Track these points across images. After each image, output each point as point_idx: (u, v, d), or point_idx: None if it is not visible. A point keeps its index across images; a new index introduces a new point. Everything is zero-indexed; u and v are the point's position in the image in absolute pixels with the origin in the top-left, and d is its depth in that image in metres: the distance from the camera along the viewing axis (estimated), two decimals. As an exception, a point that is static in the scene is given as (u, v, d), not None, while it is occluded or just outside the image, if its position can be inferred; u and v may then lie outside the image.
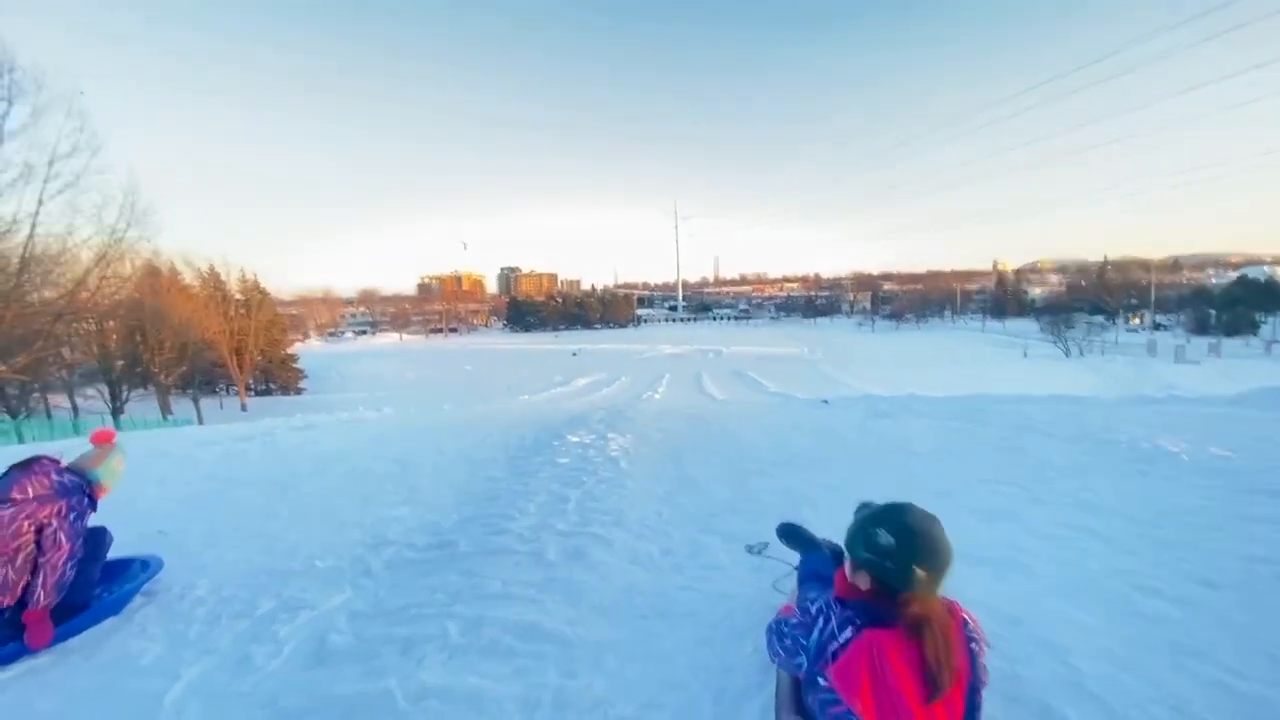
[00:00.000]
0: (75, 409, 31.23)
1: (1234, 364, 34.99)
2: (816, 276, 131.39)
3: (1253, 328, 51.40)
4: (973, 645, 1.31)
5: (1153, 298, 67.26)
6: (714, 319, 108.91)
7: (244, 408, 37.00)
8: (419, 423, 7.43)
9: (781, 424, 6.30)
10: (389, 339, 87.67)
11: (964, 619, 1.33)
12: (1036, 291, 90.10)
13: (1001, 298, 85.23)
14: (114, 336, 32.83)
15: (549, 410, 8.53)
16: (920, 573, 1.26)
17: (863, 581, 1.34)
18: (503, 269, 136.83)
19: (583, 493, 3.32)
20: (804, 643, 1.35)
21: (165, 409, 35.23)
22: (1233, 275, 71.99)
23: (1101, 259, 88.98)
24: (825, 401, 11.13)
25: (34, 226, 15.56)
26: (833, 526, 2.21)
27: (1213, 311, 56.56)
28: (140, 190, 18.88)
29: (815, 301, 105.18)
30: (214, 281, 42.34)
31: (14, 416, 21.57)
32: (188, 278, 40.64)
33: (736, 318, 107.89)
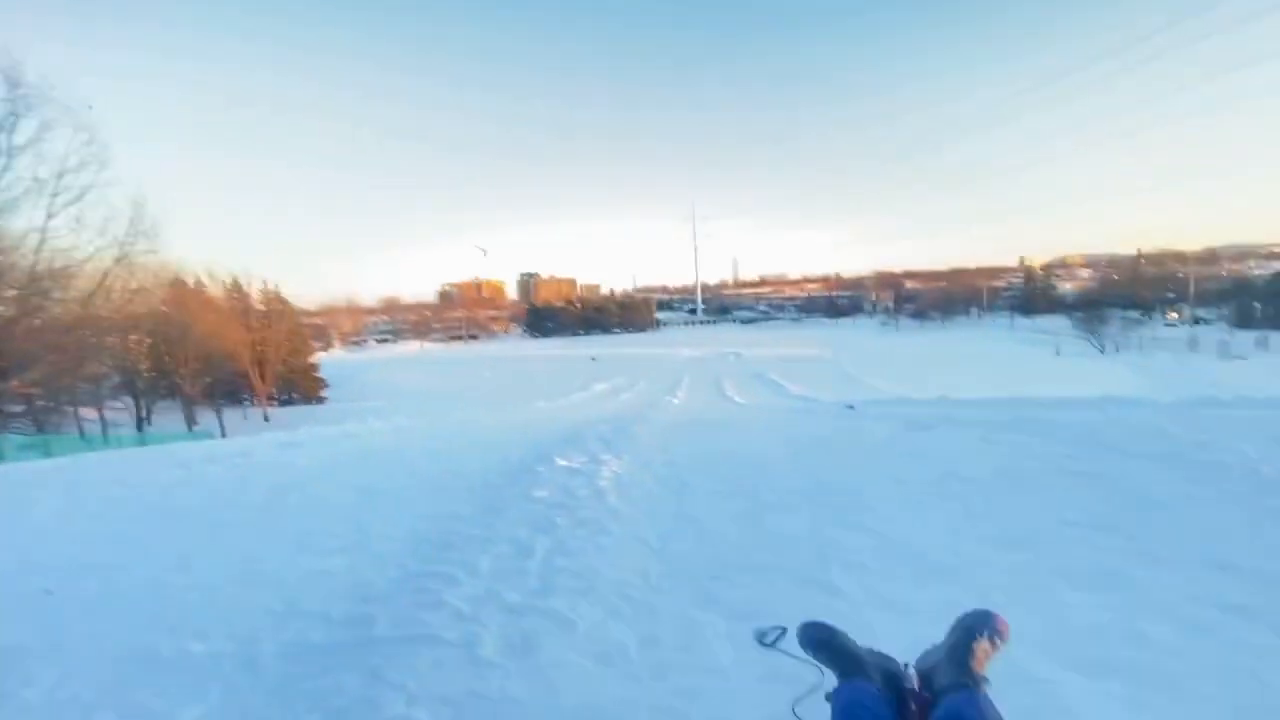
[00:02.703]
0: (104, 422, 31.68)
1: None
2: (837, 276, 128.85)
3: (1302, 319, 48.77)
4: None
5: (1191, 290, 64.53)
6: (734, 321, 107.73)
7: (266, 418, 37.25)
8: (409, 438, 6.85)
9: (805, 436, 5.57)
10: (410, 347, 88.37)
11: None
12: (1067, 287, 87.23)
13: (1030, 294, 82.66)
14: (139, 349, 33.32)
15: (546, 423, 7.87)
16: None
17: None
18: (522, 275, 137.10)
19: (553, 542, 2.65)
20: None
21: (190, 420, 35.56)
22: (1275, 266, 68.62)
23: (1134, 252, 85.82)
24: (850, 407, 10.31)
25: (42, 241, 15.48)
26: (875, 602, 1.51)
27: (1257, 304, 53.85)
28: (148, 203, 18.86)
29: (837, 302, 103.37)
30: (237, 293, 42.86)
31: (41, 431, 21.69)
32: (212, 290, 41.25)
33: (757, 320, 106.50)
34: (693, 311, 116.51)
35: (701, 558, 2.51)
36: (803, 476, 3.84)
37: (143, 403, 34.58)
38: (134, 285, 27.00)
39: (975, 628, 1.31)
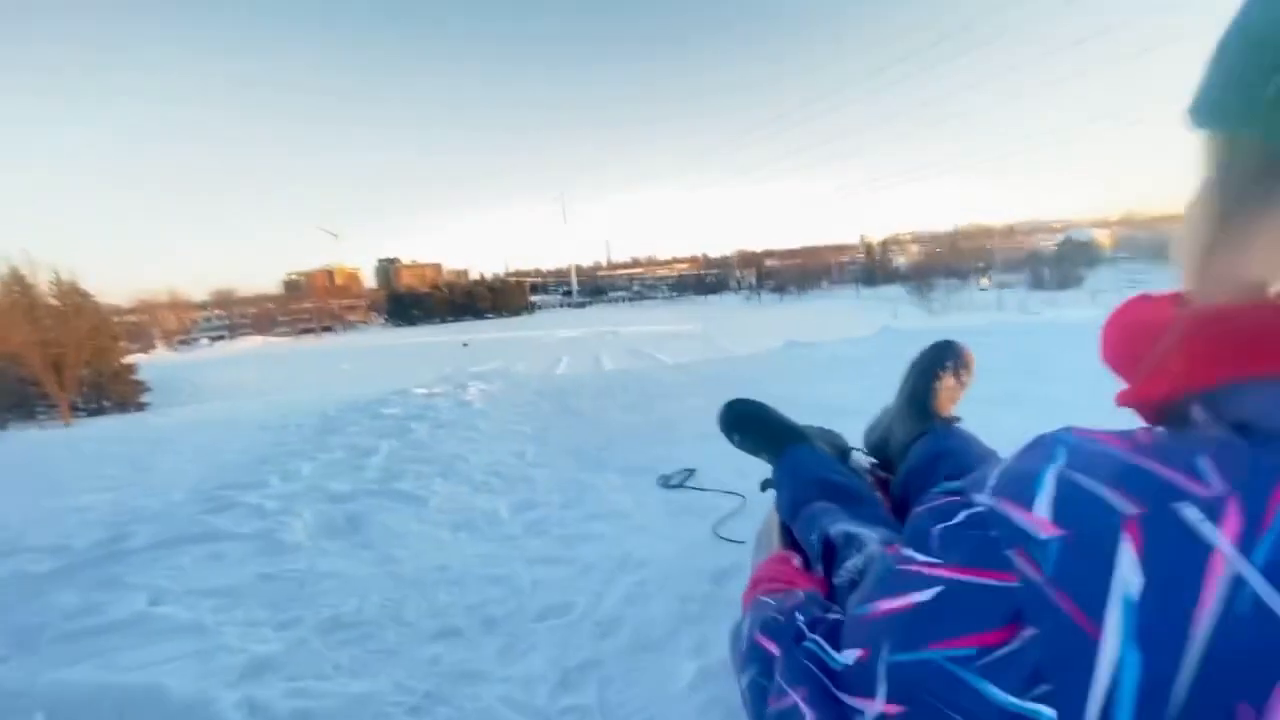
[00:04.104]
0: None
1: (1065, 312, 39.44)
2: (705, 256, 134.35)
3: (1078, 282, 58.86)
4: None
5: (997, 260, 75.34)
6: (609, 302, 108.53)
7: (69, 429, 31.27)
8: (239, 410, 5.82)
9: (687, 376, 5.47)
10: (251, 342, 79.17)
11: None
12: (901, 260, 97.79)
13: (871, 267, 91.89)
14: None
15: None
16: None
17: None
18: (380, 261, 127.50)
19: (403, 443, 2.18)
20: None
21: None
22: (1059, 238, 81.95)
23: (952, 229, 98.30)
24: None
25: None
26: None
27: (1046, 270, 63.96)
28: None
29: (705, 280, 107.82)
30: (19, 285, 35.39)
31: None
32: (-20, 284, 33.73)
33: (631, 299, 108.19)
34: (568, 294, 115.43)
35: (587, 438, 2.18)
36: (686, 375, 3.64)
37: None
38: None
39: (933, 364, 1.05)
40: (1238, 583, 0.21)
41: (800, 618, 0.49)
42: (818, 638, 0.44)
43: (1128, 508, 0.25)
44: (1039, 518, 0.27)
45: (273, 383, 40.30)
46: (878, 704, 0.33)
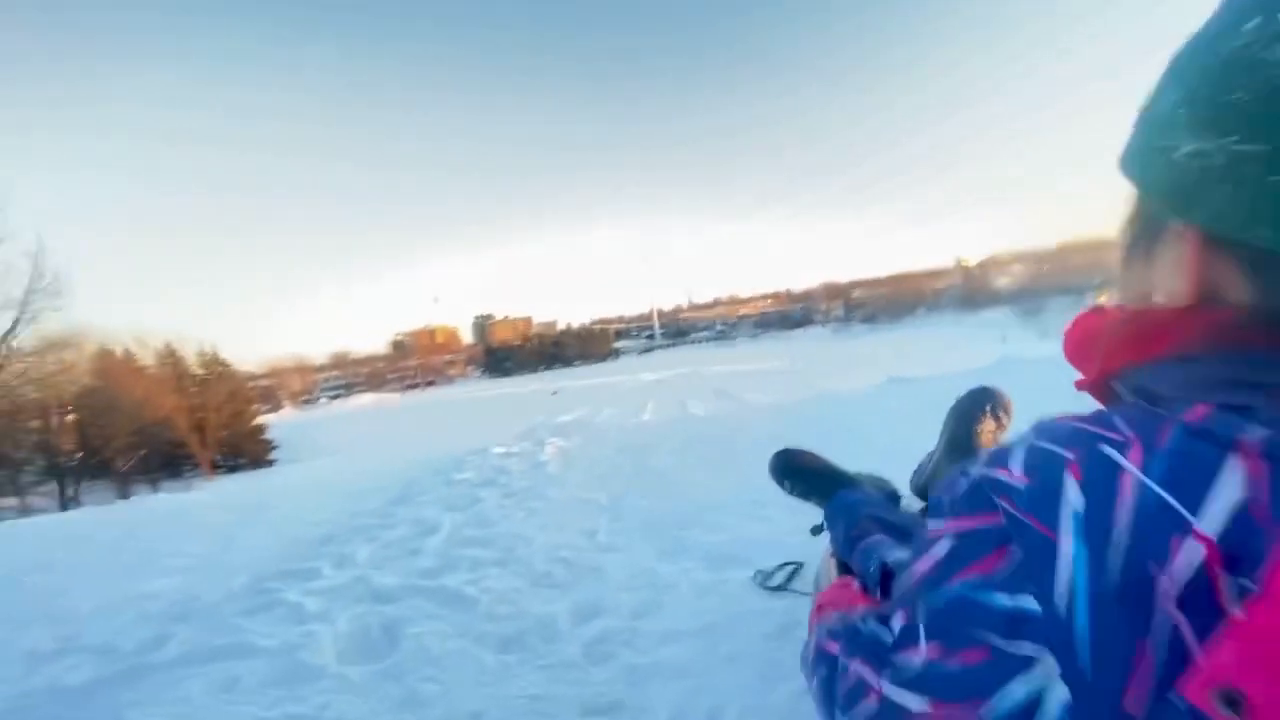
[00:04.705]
0: (26, 509, 29.00)
1: None
2: (788, 291, 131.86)
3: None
4: None
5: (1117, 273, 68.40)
6: (693, 343, 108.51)
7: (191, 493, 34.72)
8: (331, 470, 6.00)
9: (779, 424, 5.05)
10: (364, 400, 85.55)
11: None
12: (1003, 281, 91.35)
13: (970, 290, 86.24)
14: (63, 429, 31.13)
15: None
16: None
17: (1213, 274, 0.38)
18: (477, 318, 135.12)
19: (468, 517, 2.00)
20: (1013, 604, 0.36)
21: (124, 498, 32.92)
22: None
23: (1056, 244, 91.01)
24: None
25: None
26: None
27: (1180, 279, 57.45)
28: (49, 256, 17.35)
29: (790, 315, 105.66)
30: (170, 358, 40.52)
31: None
32: (143, 358, 38.91)
33: (714, 339, 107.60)
34: (650, 337, 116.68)
35: (667, 507, 1.90)
36: (783, 422, 3.28)
37: (69, 484, 32.07)
38: (55, 361, 25.03)
39: (972, 410, 1.11)
40: (1142, 487, 0.32)
41: (859, 621, 0.54)
42: (873, 623, 0.51)
43: (1069, 454, 0.36)
44: (1014, 473, 0.39)
45: (379, 437, 43.10)
46: (921, 650, 0.41)
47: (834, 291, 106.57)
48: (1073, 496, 0.35)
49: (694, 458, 2.83)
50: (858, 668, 0.49)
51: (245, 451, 43.71)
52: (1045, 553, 0.34)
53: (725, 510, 1.82)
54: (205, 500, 4.52)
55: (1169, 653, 0.28)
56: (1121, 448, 0.35)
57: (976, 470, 0.42)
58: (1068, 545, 0.33)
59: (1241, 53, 0.32)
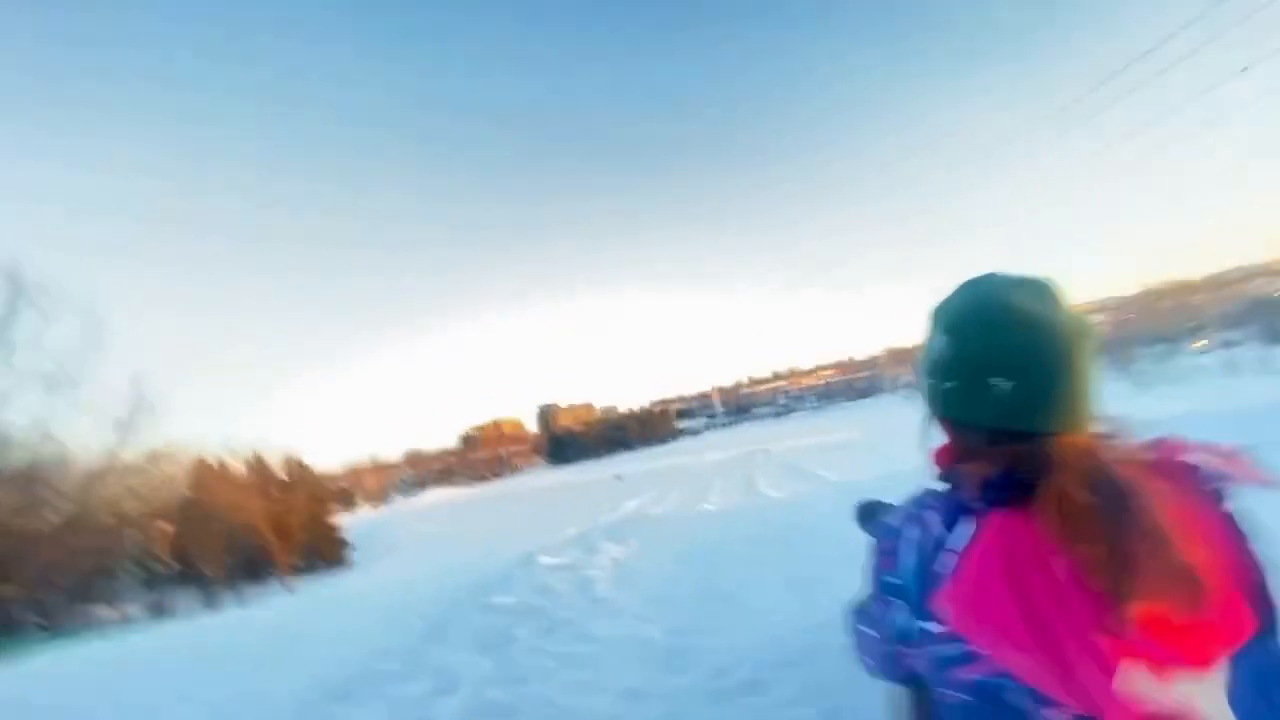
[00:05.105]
0: (125, 618, 30.15)
1: None
2: (851, 360, 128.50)
3: (1329, 331, 46.82)
4: (1224, 501, 0.65)
5: (1213, 315, 63.04)
6: (755, 419, 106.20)
7: (288, 588, 35.27)
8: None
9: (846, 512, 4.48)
10: (436, 495, 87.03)
11: (1189, 457, 0.67)
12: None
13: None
14: (162, 539, 32.78)
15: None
16: (1001, 385, 0.66)
17: (951, 438, 0.75)
18: (541, 407, 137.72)
19: (496, 665, 1.65)
20: (893, 578, 0.73)
21: (210, 602, 33.79)
22: (1285, 282, 67.48)
23: (1134, 290, 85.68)
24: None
25: (41, 431, 15.26)
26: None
27: (1280, 320, 52.08)
28: (147, 381, 18.90)
29: (854, 384, 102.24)
30: (259, 466, 42.62)
31: (52, 630, 20.27)
32: (234, 467, 41.13)
33: (778, 414, 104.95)
34: (712, 416, 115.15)
35: (739, 653, 1.48)
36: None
37: (163, 594, 33.34)
38: (156, 475, 26.80)
39: None
40: (937, 543, 0.67)
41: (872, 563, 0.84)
42: (877, 570, 0.81)
43: (912, 511, 0.74)
44: (894, 521, 0.76)
45: (450, 531, 43.25)
46: (872, 608, 0.80)
47: (900, 357, 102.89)
48: (910, 533, 0.71)
49: (767, 566, 2.38)
50: (853, 622, 0.89)
51: (323, 552, 44.55)
52: (895, 553, 0.72)
53: (818, 658, 1.37)
54: (236, 638, 4.35)
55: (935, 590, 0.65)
56: (928, 511, 0.71)
57: (886, 518, 0.79)
58: (906, 555, 0.70)
59: (928, 349, 0.76)
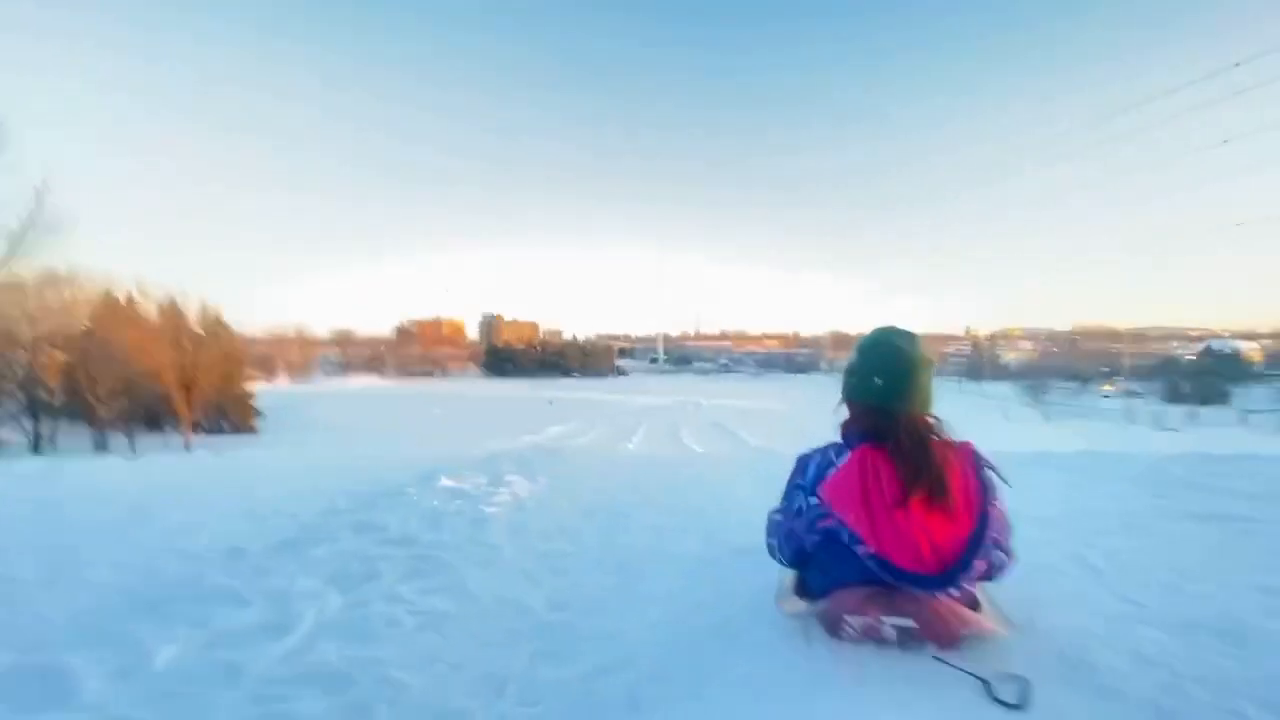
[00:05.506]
0: (2, 443, 28.33)
1: (1212, 432, 33.59)
2: (796, 335, 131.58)
3: (1223, 398, 51.30)
4: (984, 474, 1.33)
5: (1124, 365, 67.67)
6: (696, 372, 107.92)
7: (188, 446, 33.83)
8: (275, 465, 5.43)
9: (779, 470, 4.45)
10: (363, 381, 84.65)
11: (974, 450, 1.38)
12: (1010, 356, 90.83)
13: (978, 362, 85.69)
14: (52, 367, 30.49)
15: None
16: (878, 381, 1.40)
17: (850, 412, 1.49)
18: (484, 316, 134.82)
19: (346, 608, 1.43)
20: (801, 482, 1.45)
21: (100, 445, 32.11)
22: (1198, 347, 73.08)
23: (1066, 327, 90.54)
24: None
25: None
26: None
27: (1183, 382, 56.70)
28: (52, 194, 16.94)
29: (795, 358, 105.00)
30: (172, 312, 39.83)
31: None
32: (145, 309, 38.32)
33: (717, 371, 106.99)
34: (654, 360, 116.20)
35: (624, 652, 1.30)
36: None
37: (45, 423, 31.31)
38: (53, 300, 24.53)
39: None
40: (828, 455, 1.42)
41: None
42: (790, 481, 1.52)
43: (818, 448, 1.48)
44: (809, 452, 1.51)
45: (369, 423, 42.27)
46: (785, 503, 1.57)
47: (841, 342, 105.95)
48: (814, 458, 1.43)
49: (688, 532, 2.24)
50: (770, 515, 1.61)
51: (230, 416, 42.83)
52: (806, 469, 1.43)
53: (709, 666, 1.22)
54: (134, 481, 3.96)
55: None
56: (829, 448, 1.41)
57: (805, 452, 1.50)
58: (810, 468, 1.44)
59: (849, 361, 1.51)
